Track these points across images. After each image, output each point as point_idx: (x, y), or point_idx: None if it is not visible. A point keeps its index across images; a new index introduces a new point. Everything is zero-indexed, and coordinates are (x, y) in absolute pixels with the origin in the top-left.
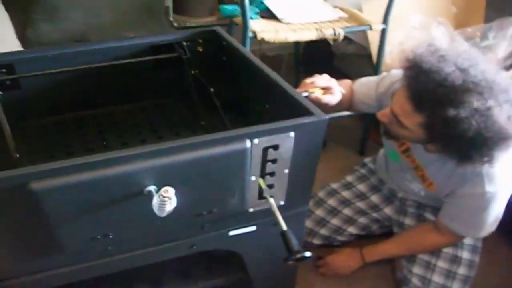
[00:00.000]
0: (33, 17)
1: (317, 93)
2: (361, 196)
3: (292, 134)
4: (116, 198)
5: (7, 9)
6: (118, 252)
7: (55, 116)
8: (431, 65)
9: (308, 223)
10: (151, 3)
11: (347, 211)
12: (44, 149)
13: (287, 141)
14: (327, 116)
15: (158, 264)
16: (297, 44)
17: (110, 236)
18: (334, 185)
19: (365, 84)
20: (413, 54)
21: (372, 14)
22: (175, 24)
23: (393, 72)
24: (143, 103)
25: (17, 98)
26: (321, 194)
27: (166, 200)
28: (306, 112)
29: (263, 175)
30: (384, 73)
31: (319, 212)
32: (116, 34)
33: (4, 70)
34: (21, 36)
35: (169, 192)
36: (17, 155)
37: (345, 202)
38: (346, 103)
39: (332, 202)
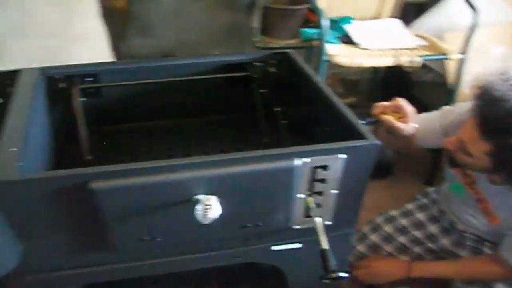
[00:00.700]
0: (128, 32)
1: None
2: (419, 225)
3: (342, 156)
4: (167, 203)
5: (106, 23)
6: (164, 255)
7: (129, 124)
8: (502, 93)
9: (361, 248)
10: (239, 23)
11: (402, 239)
12: (114, 153)
13: (337, 162)
14: (378, 141)
15: (203, 272)
16: (376, 69)
17: (158, 239)
18: (393, 212)
19: (425, 119)
20: (485, 82)
21: (455, 44)
22: (259, 45)
23: (459, 105)
24: (212, 117)
25: (98, 105)
26: (379, 219)
27: (208, 208)
28: (360, 136)
29: (311, 193)
30: (446, 107)
31: (374, 238)
32: (202, 52)
33: (90, 79)
34: (115, 49)
35: (212, 200)
36: (89, 157)
37: (402, 230)
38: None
39: (388, 228)
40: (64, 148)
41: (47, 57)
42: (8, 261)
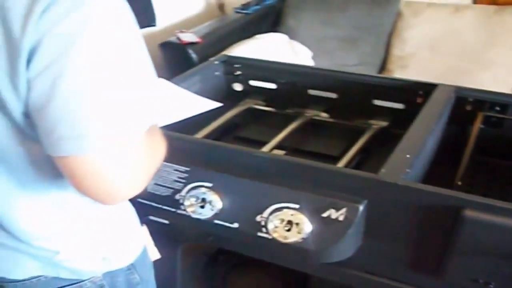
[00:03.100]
0: None
1: None
2: None
3: None
4: None
5: None
6: None
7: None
8: None
9: None
10: None
11: None
12: (482, 186)
13: None
14: None
15: None
16: None
17: (491, 285)
18: None
19: None
20: None
21: None
22: None
23: None
24: None
25: (492, 135)
26: None
27: None
28: None
29: None
30: None
31: None
32: None
33: (497, 108)
34: None
35: None
36: (459, 183)
37: None
38: None
39: None
40: (434, 166)
41: (450, 77)
42: (348, 250)
